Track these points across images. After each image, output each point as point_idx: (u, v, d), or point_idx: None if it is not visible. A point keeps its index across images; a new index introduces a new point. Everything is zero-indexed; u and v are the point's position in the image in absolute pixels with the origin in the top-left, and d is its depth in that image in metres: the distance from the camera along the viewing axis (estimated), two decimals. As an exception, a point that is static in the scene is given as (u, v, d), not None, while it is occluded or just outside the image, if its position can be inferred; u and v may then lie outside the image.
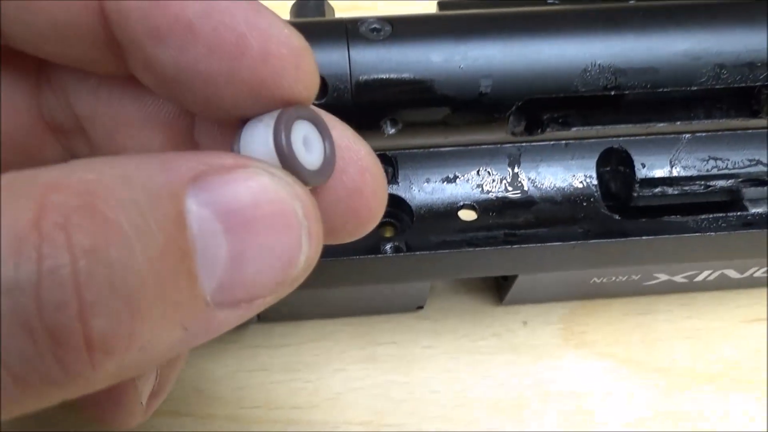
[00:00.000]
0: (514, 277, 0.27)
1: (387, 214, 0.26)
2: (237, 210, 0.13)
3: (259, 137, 0.14)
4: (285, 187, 0.13)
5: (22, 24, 0.14)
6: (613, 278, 0.27)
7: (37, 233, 0.11)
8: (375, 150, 0.27)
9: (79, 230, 0.11)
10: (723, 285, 0.29)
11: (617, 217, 0.26)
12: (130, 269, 0.12)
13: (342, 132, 0.16)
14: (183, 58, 0.14)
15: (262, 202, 0.13)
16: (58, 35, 0.14)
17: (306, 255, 0.14)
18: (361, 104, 0.26)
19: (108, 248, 0.11)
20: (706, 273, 0.27)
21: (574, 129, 0.27)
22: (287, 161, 0.14)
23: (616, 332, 0.28)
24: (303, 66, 0.14)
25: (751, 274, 0.28)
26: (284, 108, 0.14)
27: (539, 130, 0.28)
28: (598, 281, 0.27)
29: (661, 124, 0.28)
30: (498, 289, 0.29)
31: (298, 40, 0.14)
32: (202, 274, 0.12)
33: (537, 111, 0.28)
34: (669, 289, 0.29)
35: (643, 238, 0.24)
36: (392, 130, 0.27)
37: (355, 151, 0.16)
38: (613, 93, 0.27)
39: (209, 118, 0.16)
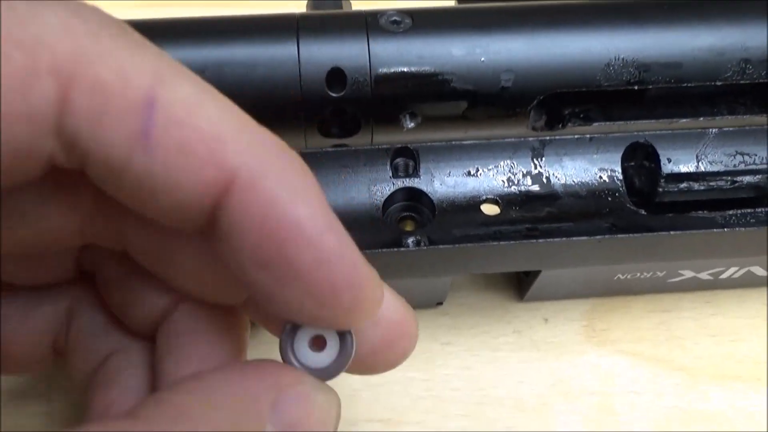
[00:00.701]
0: (536, 273, 0.26)
1: (408, 208, 0.26)
2: (295, 425, 0.15)
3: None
4: (329, 399, 0.16)
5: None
6: (638, 275, 0.27)
7: None
8: (395, 143, 0.27)
9: None
10: (748, 282, 0.28)
11: (643, 212, 0.25)
12: None
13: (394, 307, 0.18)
14: (278, 288, 0.15)
15: (314, 418, 0.15)
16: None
17: None
18: (381, 97, 0.25)
19: None
20: (732, 270, 0.27)
21: (595, 124, 0.27)
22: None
23: (640, 330, 0.28)
24: (375, 314, 0.16)
25: (778, 271, 0.27)
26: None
27: (560, 125, 0.27)
28: (623, 278, 0.27)
29: (683, 120, 0.27)
30: (519, 286, 0.28)
31: (379, 292, 0.16)
32: None
33: (558, 106, 0.27)
34: (693, 286, 0.28)
35: (670, 233, 0.24)
36: (411, 124, 0.26)
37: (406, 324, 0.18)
38: (636, 88, 0.27)
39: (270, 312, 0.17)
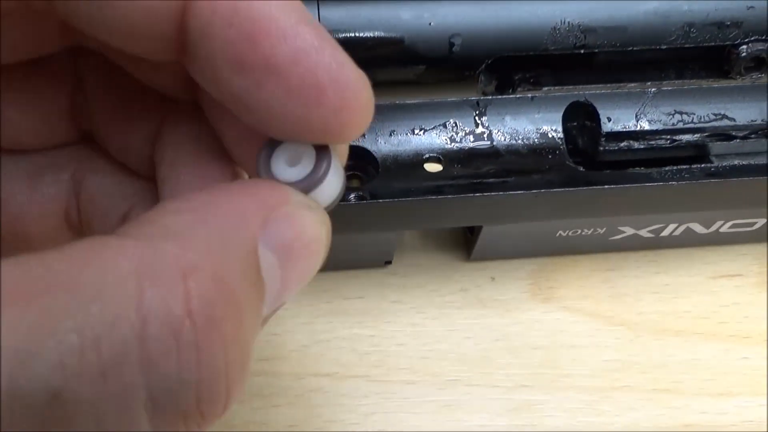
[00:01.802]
0: (479, 230, 0.27)
1: (352, 167, 0.26)
2: (288, 246, 0.14)
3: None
4: (318, 218, 0.15)
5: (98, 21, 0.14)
6: (579, 231, 0.27)
7: (191, 327, 0.12)
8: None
9: (225, 322, 0.13)
10: (690, 241, 0.29)
11: (582, 168, 0.26)
12: (249, 340, 0.14)
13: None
14: (257, 92, 0.14)
15: (307, 239, 0.15)
16: (131, 34, 0.14)
17: (322, 260, 0.16)
18: (331, 61, 0.26)
19: (243, 332, 0.13)
20: (671, 227, 0.27)
21: (545, 89, 0.27)
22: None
23: (584, 287, 0.28)
24: (366, 120, 0.15)
25: (717, 230, 0.28)
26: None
27: (510, 90, 0.28)
28: (564, 234, 0.27)
29: (632, 84, 0.28)
30: (466, 245, 0.29)
31: (368, 93, 0.15)
32: (265, 305, 0.14)
33: (508, 70, 0.28)
34: (636, 245, 0.29)
35: (606, 187, 0.25)
36: (362, 88, 0.27)
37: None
38: (582, 51, 0.27)
39: (252, 127, 0.16)
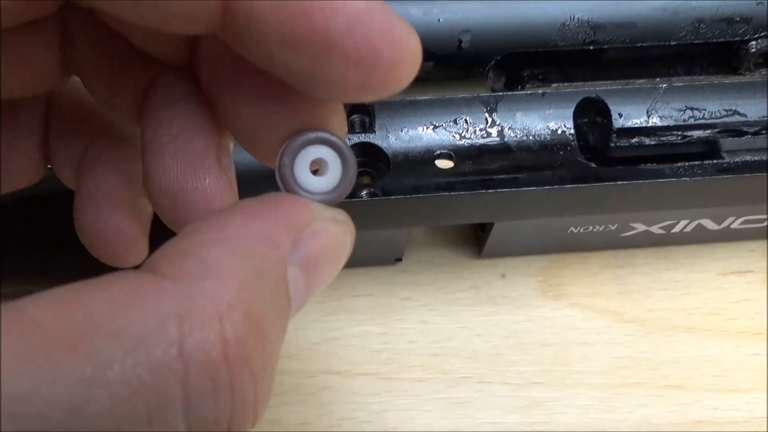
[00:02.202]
0: (490, 227, 0.27)
1: (364, 164, 0.26)
2: (315, 261, 0.15)
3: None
4: (345, 230, 0.16)
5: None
6: (590, 228, 0.27)
7: (227, 369, 0.13)
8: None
9: (255, 358, 0.13)
10: (701, 238, 0.29)
11: (593, 164, 0.26)
12: (275, 361, 0.14)
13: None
14: (314, 65, 0.14)
15: (332, 250, 0.16)
16: (172, 18, 0.14)
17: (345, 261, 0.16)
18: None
19: (270, 360, 0.14)
20: (683, 223, 0.27)
21: (553, 85, 0.27)
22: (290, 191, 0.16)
23: (594, 284, 0.28)
24: (416, 68, 0.15)
25: (728, 225, 0.28)
26: (292, 138, 0.16)
27: (519, 87, 0.28)
28: (576, 231, 0.27)
29: (641, 81, 0.28)
30: (476, 242, 0.29)
31: (416, 42, 0.15)
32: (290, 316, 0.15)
33: (517, 67, 0.28)
34: (647, 241, 0.29)
35: (618, 183, 0.25)
36: (370, 85, 0.26)
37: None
38: (591, 48, 0.27)
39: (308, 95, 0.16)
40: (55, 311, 0.12)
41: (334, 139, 0.16)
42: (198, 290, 0.13)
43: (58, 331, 0.12)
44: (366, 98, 0.15)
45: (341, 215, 0.16)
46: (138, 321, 0.12)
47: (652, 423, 0.25)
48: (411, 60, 0.14)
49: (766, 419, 0.26)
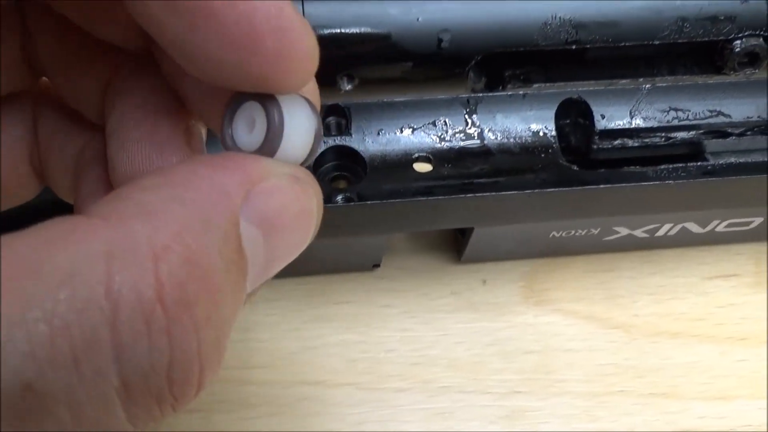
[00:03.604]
0: (470, 232, 0.26)
1: (339, 167, 0.26)
2: (274, 218, 0.14)
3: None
4: (308, 190, 0.15)
5: None
6: (573, 232, 0.26)
7: (162, 311, 0.12)
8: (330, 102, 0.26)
9: (197, 305, 0.12)
10: (685, 241, 0.28)
11: (575, 167, 0.25)
12: (227, 319, 0.13)
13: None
14: (191, 35, 0.14)
15: (293, 211, 0.14)
16: None
17: (314, 233, 0.15)
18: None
19: (217, 312, 0.13)
20: (667, 227, 0.27)
21: (535, 86, 0.27)
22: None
23: (578, 289, 0.28)
24: (309, 69, 0.15)
25: (713, 229, 0.27)
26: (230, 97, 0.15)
27: (500, 87, 0.27)
28: (558, 235, 0.27)
29: (625, 81, 0.27)
30: (456, 247, 0.28)
31: (311, 41, 0.14)
32: (249, 279, 0.14)
33: (498, 67, 0.27)
34: (631, 245, 0.28)
35: (600, 186, 0.24)
36: (349, 86, 0.26)
37: None
38: (573, 47, 0.26)
39: (198, 78, 0.15)
40: None
41: (266, 95, 0.15)
42: (132, 230, 0.12)
43: None
44: (254, 87, 0.14)
45: (303, 173, 0.15)
46: (63, 259, 0.11)
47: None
48: (300, 56, 0.14)
49: (754, 426, 0.25)
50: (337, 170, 0.25)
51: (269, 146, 0.15)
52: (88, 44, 0.17)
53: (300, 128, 0.15)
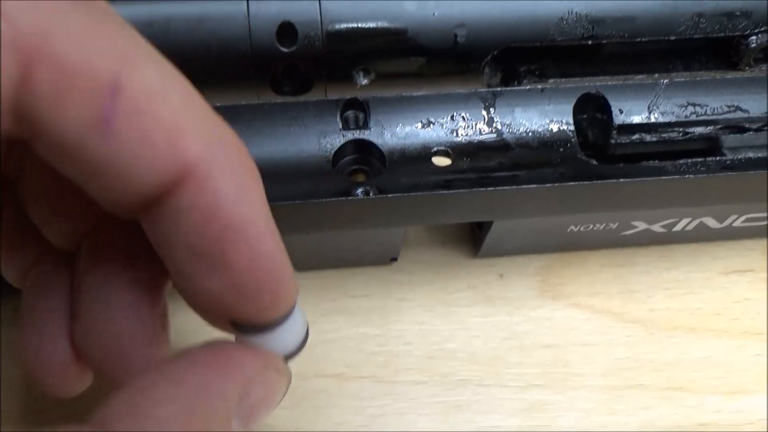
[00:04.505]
0: (488, 226, 0.26)
1: (358, 161, 0.26)
2: (256, 408, 0.16)
3: None
4: (285, 377, 0.17)
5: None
6: (591, 227, 0.26)
7: None
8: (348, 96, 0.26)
9: None
10: (702, 236, 0.28)
11: (594, 162, 0.25)
12: None
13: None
14: (203, 275, 0.15)
15: (272, 400, 0.17)
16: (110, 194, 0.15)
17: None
18: (333, 53, 0.25)
19: None
20: (684, 222, 0.27)
21: (551, 81, 0.27)
22: None
23: (594, 284, 0.28)
24: (293, 301, 0.17)
25: (730, 224, 0.27)
26: None
27: (515, 83, 0.27)
28: (576, 230, 0.27)
29: (640, 76, 0.27)
30: (473, 241, 0.28)
31: (293, 282, 0.16)
32: None
33: (513, 62, 0.27)
34: (648, 240, 0.28)
35: (619, 180, 0.24)
36: (365, 81, 0.26)
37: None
38: (590, 42, 0.26)
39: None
40: None
41: None
42: None
43: None
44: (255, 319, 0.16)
45: (283, 366, 0.17)
46: None
47: (656, 425, 0.25)
48: (284, 302, 0.16)
49: (770, 421, 0.25)
50: (356, 164, 0.25)
51: (281, 344, 0.17)
52: (74, 195, 0.16)
53: (300, 327, 0.18)
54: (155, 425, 0.13)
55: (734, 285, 0.28)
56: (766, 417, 0.25)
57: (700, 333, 0.27)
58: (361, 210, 0.24)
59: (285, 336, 0.17)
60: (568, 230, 0.27)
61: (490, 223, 0.26)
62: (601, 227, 0.27)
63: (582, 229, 0.27)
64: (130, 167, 0.13)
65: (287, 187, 0.24)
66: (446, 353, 0.26)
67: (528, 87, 0.26)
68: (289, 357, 0.18)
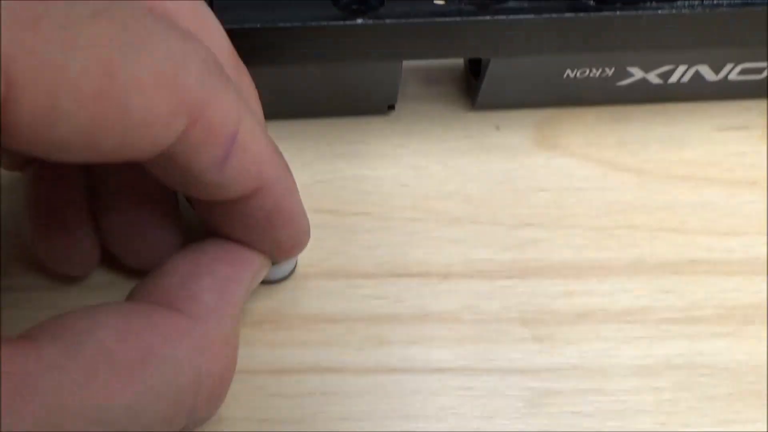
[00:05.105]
0: (485, 72, 0.26)
1: (358, 1, 0.26)
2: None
3: None
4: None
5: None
6: (587, 72, 0.27)
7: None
8: None
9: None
10: (698, 92, 0.28)
11: (592, 2, 0.25)
12: None
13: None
14: (243, 233, 0.21)
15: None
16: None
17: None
18: None
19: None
20: (681, 70, 0.27)
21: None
22: None
23: (590, 136, 0.28)
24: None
25: (726, 76, 0.27)
26: None
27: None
28: (572, 76, 0.27)
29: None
30: (470, 93, 0.28)
31: (308, 238, 0.23)
32: None
33: None
34: (644, 95, 0.28)
35: (616, 13, 0.24)
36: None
37: None
38: None
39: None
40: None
41: None
42: (209, 329, 0.19)
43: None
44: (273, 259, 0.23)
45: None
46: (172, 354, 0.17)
47: (647, 262, 0.25)
48: (299, 251, 0.23)
49: (761, 260, 0.25)
50: (356, 3, 0.25)
51: (274, 270, 0.24)
52: None
53: (291, 263, 0.24)
54: (205, 309, 0.19)
55: (730, 140, 0.28)
56: (756, 256, 0.25)
57: (693, 181, 0.27)
58: (359, 39, 0.24)
59: (281, 267, 0.24)
60: (565, 76, 0.27)
61: (486, 69, 0.26)
62: (597, 74, 0.27)
63: (578, 74, 0.27)
64: (228, 186, 0.18)
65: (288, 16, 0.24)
66: (441, 194, 0.26)
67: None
68: (275, 282, 0.24)
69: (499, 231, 0.26)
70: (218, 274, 0.20)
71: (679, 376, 0.24)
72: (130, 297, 0.20)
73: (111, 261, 0.24)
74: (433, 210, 0.26)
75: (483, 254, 0.25)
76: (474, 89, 0.28)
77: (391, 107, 0.28)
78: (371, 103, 0.28)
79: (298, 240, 0.22)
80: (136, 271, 0.24)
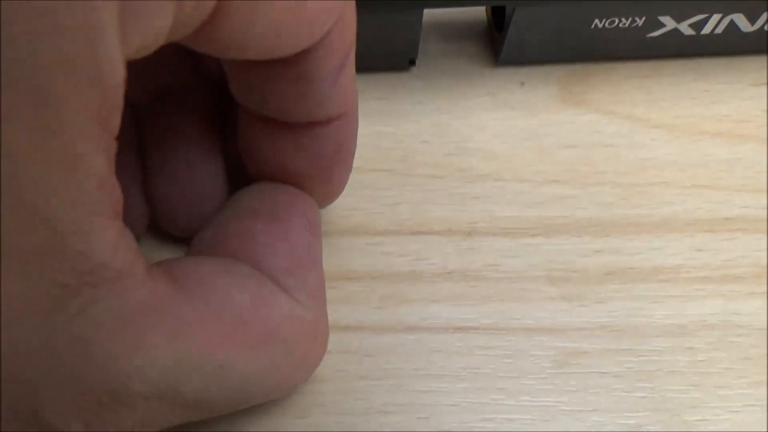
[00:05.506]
0: (508, 25, 0.25)
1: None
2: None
3: None
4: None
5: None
6: (616, 22, 0.25)
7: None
8: None
9: None
10: (732, 45, 0.27)
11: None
12: None
13: None
14: (302, 167, 0.20)
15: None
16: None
17: None
18: None
19: None
20: (714, 20, 0.26)
21: None
22: None
23: (618, 92, 0.27)
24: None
25: (762, 26, 0.26)
26: None
27: None
28: (600, 26, 0.26)
29: None
30: (493, 48, 0.27)
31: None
32: None
33: None
34: (675, 48, 0.27)
35: (649, -45, 0.23)
36: None
37: None
38: None
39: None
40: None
41: None
42: (319, 318, 0.19)
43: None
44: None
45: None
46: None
47: (679, 219, 0.24)
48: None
49: (799, 218, 0.24)
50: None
51: None
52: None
53: None
54: (281, 263, 0.18)
55: (764, 96, 0.27)
56: (794, 214, 0.24)
57: (726, 137, 0.26)
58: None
59: None
60: (593, 27, 0.26)
61: (509, 23, 0.25)
62: (627, 23, 0.26)
63: (607, 25, 0.26)
64: (329, 103, 0.18)
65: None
66: (464, 151, 0.25)
67: None
68: None
69: (524, 188, 0.25)
70: (312, 251, 0.20)
71: (713, 336, 0.23)
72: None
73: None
74: (456, 167, 0.25)
75: (507, 212, 0.24)
76: (497, 43, 0.27)
77: (412, 62, 0.27)
78: (392, 58, 0.27)
79: (342, 185, 0.22)
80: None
